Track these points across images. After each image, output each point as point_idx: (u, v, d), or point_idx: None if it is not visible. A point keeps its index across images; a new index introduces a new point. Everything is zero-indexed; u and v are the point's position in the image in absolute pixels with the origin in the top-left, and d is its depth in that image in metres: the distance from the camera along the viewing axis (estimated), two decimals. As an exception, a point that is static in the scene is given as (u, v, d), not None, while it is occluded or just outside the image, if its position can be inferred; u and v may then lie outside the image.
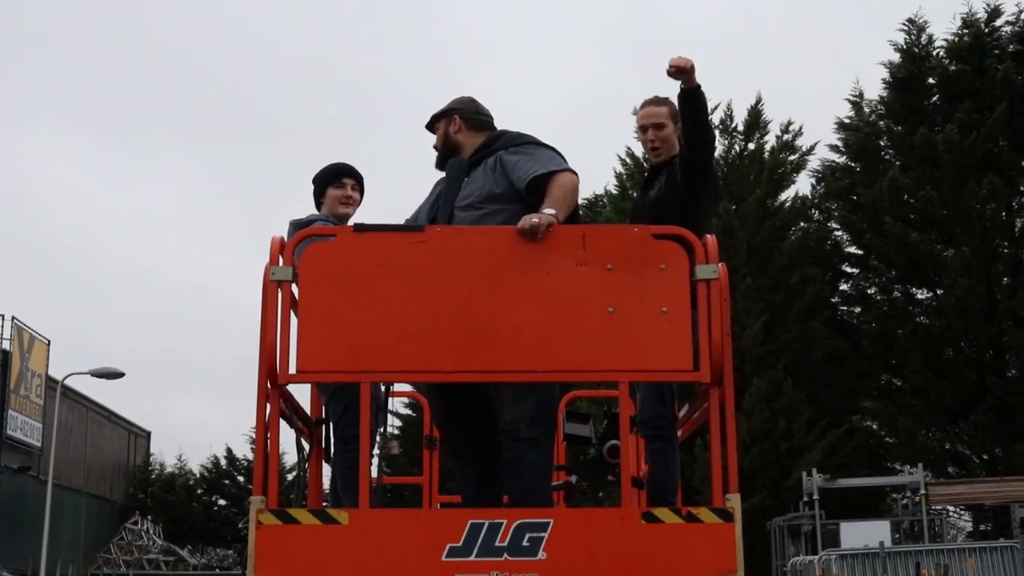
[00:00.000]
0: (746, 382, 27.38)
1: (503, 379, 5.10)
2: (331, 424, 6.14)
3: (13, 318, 40.21)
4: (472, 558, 4.64)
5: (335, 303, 4.91)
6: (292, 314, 5.05)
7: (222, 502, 56.75)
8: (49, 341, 43.66)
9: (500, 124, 5.96)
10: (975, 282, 27.46)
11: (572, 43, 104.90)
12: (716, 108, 30.73)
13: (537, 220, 4.96)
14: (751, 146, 30.86)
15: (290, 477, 5.17)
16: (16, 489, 41.29)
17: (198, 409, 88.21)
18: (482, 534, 4.68)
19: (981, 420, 27.63)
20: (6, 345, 39.98)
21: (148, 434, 59.35)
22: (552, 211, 5.10)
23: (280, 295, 4.96)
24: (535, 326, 4.87)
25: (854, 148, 31.22)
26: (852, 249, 31.51)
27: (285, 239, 5.15)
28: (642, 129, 6.27)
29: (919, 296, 30.37)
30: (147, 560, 48.61)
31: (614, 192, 33.57)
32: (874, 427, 31.37)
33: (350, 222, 6.26)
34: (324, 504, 6.03)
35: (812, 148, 31.20)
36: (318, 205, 6.67)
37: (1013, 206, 29.38)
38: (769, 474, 26.83)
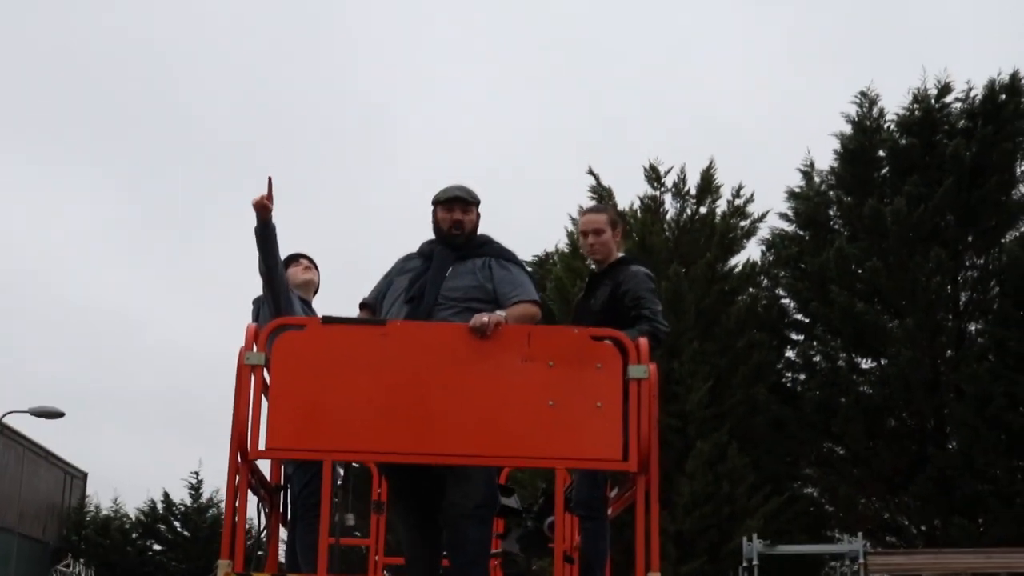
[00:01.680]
0: (690, 445, 27.45)
1: (452, 462, 5.67)
2: (290, 492, 6.73)
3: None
4: None
5: (303, 388, 5.46)
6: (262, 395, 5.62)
7: (157, 547, 56.06)
8: (-13, 379, 43.15)
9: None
10: (919, 354, 27.74)
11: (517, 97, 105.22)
12: (669, 171, 31.02)
13: (487, 319, 5.60)
14: (703, 210, 31.06)
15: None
16: (-53, 527, 40.67)
17: (132, 449, 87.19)
18: None
19: (920, 491, 27.79)
20: (-57, 381, 39.53)
21: (85, 475, 58.59)
22: (503, 314, 5.79)
23: (252, 378, 5.49)
24: (483, 414, 5.46)
25: (803, 217, 31.52)
26: (799, 316, 31.73)
27: (252, 321, 5.96)
28: (583, 235, 7.08)
29: (863, 365, 30.60)
30: (77, 604, 47.91)
31: (565, 250, 33.66)
32: (815, 494, 31.50)
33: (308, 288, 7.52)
34: (280, 564, 6.56)
35: (763, 216, 31.47)
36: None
37: (958, 280, 29.73)
38: (709, 538, 26.84)
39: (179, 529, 56.16)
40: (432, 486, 6.04)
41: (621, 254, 7.09)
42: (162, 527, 56.13)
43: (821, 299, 28.98)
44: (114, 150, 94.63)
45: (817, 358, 31.47)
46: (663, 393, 27.77)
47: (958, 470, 27.33)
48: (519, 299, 6.28)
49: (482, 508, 5.98)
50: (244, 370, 5.47)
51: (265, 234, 7.05)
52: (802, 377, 31.79)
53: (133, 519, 56.61)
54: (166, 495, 56.17)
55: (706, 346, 28.37)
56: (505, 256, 6.56)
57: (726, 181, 31.93)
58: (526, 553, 6.61)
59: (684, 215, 31.14)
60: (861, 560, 23.21)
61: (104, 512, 57.06)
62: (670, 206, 31.14)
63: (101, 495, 59.35)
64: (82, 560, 51.14)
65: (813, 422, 29.08)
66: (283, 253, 7.36)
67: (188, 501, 56.55)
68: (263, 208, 6.93)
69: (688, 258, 29.97)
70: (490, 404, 5.51)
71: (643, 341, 5.70)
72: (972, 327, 29.88)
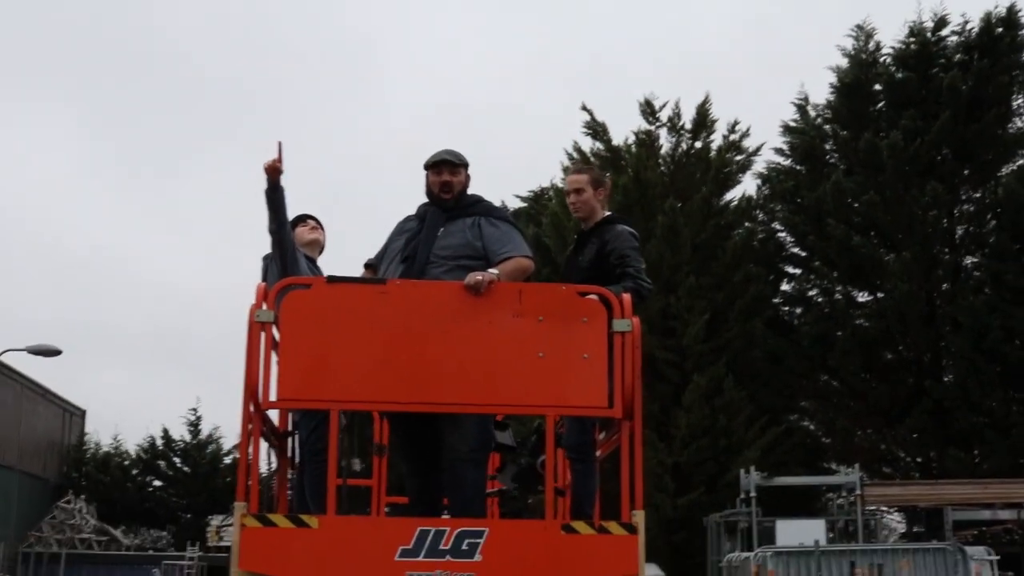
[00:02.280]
0: (687, 379, 27.63)
1: (449, 411, 6.06)
2: (297, 439, 7.02)
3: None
4: (420, 558, 5.59)
5: (309, 342, 5.81)
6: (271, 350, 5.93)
7: (157, 483, 56.36)
8: (-15, 317, 43.19)
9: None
10: (915, 287, 27.85)
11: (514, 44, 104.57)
12: (664, 106, 30.97)
13: (481, 277, 5.93)
14: (698, 144, 31.05)
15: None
16: (-52, 465, 40.87)
17: (129, 387, 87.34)
18: (429, 538, 5.63)
19: (917, 423, 28.02)
20: (-58, 320, 39.60)
21: (83, 413, 58.79)
22: (496, 272, 6.10)
23: (263, 334, 5.84)
24: (477, 366, 5.84)
25: (799, 151, 31.53)
26: (795, 250, 31.82)
27: (261, 278, 6.34)
28: (566, 194, 7.43)
29: (859, 299, 30.73)
30: (79, 539, 48.21)
31: (561, 185, 33.63)
32: (811, 427, 31.73)
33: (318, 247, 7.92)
34: (290, 505, 6.86)
35: (758, 150, 31.50)
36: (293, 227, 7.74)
37: (954, 213, 29.83)
38: (707, 470, 27.08)
39: (179, 465, 56.41)
40: (431, 432, 6.36)
41: (607, 213, 7.33)
42: (162, 463, 56.38)
43: (817, 233, 29.04)
44: (90, 86, 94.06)
45: (813, 292, 31.63)
46: (660, 328, 27.94)
47: (954, 402, 27.52)
48: (509, 255, 6.60)
49: (477, 451, 6.36)
50: (255, 326, 5.82)
51: (274, 196, 7.26)
52: (798, 311, 31.95)
53: (133, 456, 56.89)
54: (165, 432, 56.35)
55: (703, 280, 28.46)
56: (495, 214, 6.89)
57: (721, 116, 31.91)
58: (520, 489, 6.83)
59: (679, 150, 31.15)
60: (857, 491, 23.41)
61: (104, 449, 57.28)
62: (665, 141, 31.18)
63: (100, 433, 59.52)
64: (83, 496, 51.37)
65: (809, 355, 29.23)
66: (291, 213, 7.54)
67: (187, 437, 56.83)
68: (274, 171, 7.10)
69: (684, 193, 29.99)
70: (483, 356, 5.87)
71: (627, 296, 6.05)
72: (968, 260, 30.04)
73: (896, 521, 30.85)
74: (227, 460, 56.98)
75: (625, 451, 5.88)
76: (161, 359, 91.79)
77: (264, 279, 7.19)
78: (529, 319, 5.90)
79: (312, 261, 7.87)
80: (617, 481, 5.78)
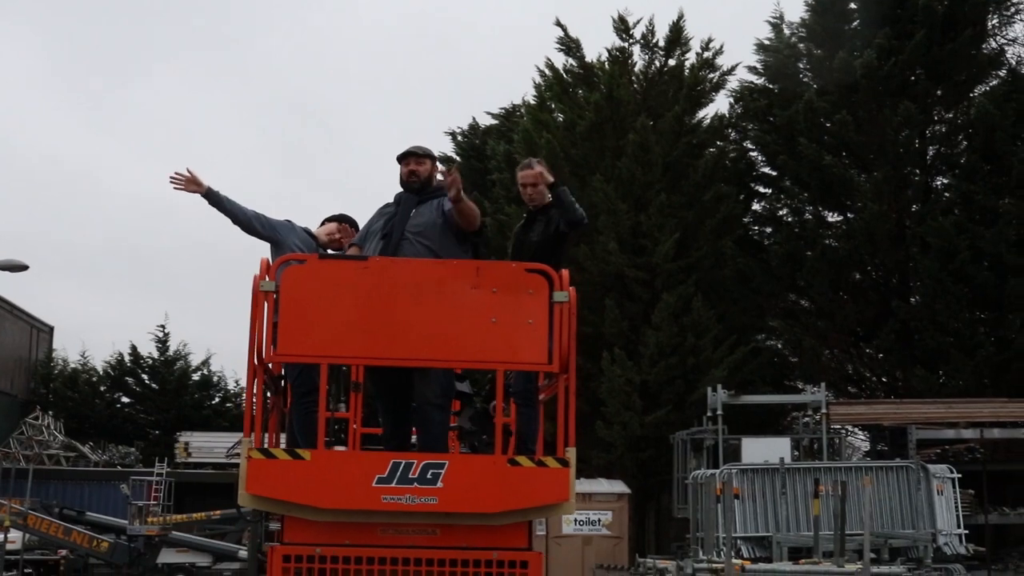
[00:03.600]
0: (656, 297, 27.60)
1: (418, 364, 7.43)
2: (287, 382, 8.41)
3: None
4: (393, 485, 6.94)
5: (304, 308, 7.13)
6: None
7: (125, 400, 56.29)
8: (-50, 231, 42.81)
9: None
10: (885, 207, 27.81)
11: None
12: (638, 22, 30.67)
13: (447, 177, 7.61)
14: (671, 62, 30.78)
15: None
16: (-86, 380, 40.67)
17: (94, 303, 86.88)
18: (400, 469, 6.99)
19: (884, 343, 28.14)
20: (-94, 233, 39.24)
21: (51, 329, 58.56)
22: (459, 188, 7.61)
23: (267, 301, 7.24)
24: (441, 328, 7.18)
25: (772, 69, 31.33)
26: (766, 170, 31.71)
27: (270, 260, 7.83)
28: (522, 187, 8.58)
29: (830, 219, 30.71)
30: (47, 455, 48.19)
31: (532, 102, 33.41)
32: (779, 346, 31.83)
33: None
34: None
35: (732, 68, 31.25)
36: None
37: (926, 134, 29.74)
38: (675, 389, 27.15)
39: (147, 382, 56.34)
40: (403, 382, 7.78)
41: (551, 197, 8.40)
42: (130, 380, 56.30)
43: (789, 152, 28.93)
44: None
45: (784, 211, 31.59)
46: (631, 246, 27.92)
47: (921, 322, 27.63)
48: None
49: (442, 398, 7.75)
50: (259, 295, 7.19)
51: (213, 204, 8.47)
52: (768, 230, 31.93)
53: (100, 372, 56.76)
54: (133, 348, 56.24)
55: (673, 199, 28.36)
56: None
57: (696, 34, 31.61)
58: (476, 428, 8.20)
59: (652, 67, 30.88)
60: (823, 410, 23.53)
61: (72, 366, 57.17)
62: (638, 58, 30.88)
63: (68, 350, 59.39)
64: (51, 412, 51.31)
65: (779, 275, 29.25)
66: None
67: (155, 355, 56.71)
68: (194, 192, 8.35)
69: (656, 111, 29.79)
70: (446, 320, 7.17)
71: (565, 272, 7.34)
72: (939, 181, 30.02)
73: (861, 439, 31.08)
74: (195, 377, 56.98)
75: (561, 399, 7.26)
76: (122, 274, 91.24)
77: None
78: (484, 290, 7.19)
79: (319, 247, 9.11)
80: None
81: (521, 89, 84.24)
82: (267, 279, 7.25)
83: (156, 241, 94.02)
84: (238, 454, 7.60)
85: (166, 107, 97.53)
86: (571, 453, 7.11)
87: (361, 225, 8.77)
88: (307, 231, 9.23)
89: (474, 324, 7.16)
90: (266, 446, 7.50)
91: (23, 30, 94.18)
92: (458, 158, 39.61)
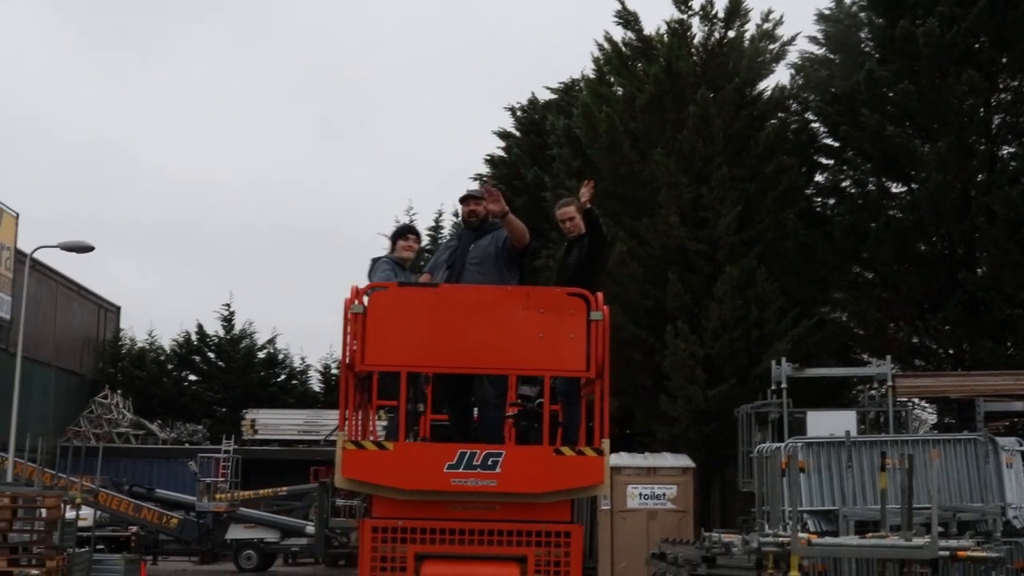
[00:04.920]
0: (719, 270, 27.49)
1: (479, 372, 9.17)
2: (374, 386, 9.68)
3: (-18, 190, 39.92)
4: (460, 470, 8.49)
5: (388, 325, 8.76)
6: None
7: (193, 378, 56.93)
8: (18, 214, 43.40)
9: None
10: (949, 177, 27.48)
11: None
12: (696, -7, 30.42)
13: (488, 192, 9.61)
14: (731, 34, 30.53)
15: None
16: (-15, 361, 41.27)
17: (157, 282, 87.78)
18: (466, 457, 8.51)
19: (950, 315, 27.84)
20: (-25, 217, 39.76)
21: (118, 309, 59.31)
22: (505, 207, 9.48)
23: (357, 320, 8.76)
24: (497, 343, 8.77)
25: (833, 39, 31.01)
26: (828, 141, 31.42)
27: (368, 278, 10.21)
28: (561, 221, 10.44)
29: (893, 189, 30.39)
30: (117, 434, 48.90)
31: (591, 76, 33.33)
32: (843, 319, 31.60)
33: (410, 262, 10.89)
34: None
35: (792, 39, 30.94)
36: (392, 248, 10.97)
37: (991, 102, 29.30)
38: (738, 362, 27.07)
39: (214, 360, 56.94)
40: (467, 386, 9.51)
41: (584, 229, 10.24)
42: (197, 359, 56.93)
43: (851, 123, 28.63)
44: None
45: (847, 183, 31.30)
46: (692, 219, 27.83)
47: (988, 293, 27.32)
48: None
49: (498, 398, 9.44)
50: (351, 316, 8.77)
51: None
52: (831, 202, 31.67)
53: (168, 351, 57.42)
54: (200, 327, 56.88)
55: (735, 171, 28.20)
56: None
57: (755, 5, 31.37)
58: (529, 422, 9.42)
59: (712, 39, 30.61)
60: (889, 383, 23.34)
61: (139, 345, 57.89)
62: (698, 30, 30.61)
63: (135, 329, 60.09)
64: (119, 391, 52.01)
65: (842, 247, 29.02)
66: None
67: (222, 333, 57.28)
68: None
69: (716, 83, 29.58)
70: (501, 336, 8.74)
71: (600, 295, 8.80)
72: (1005, 150, 29.55)
73: (927, 412, 30.83)
74: (260, 355, 57.48)
75: (597, 398, 8.75)
76: (181, 252, 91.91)
77: (369, 276, 10.46)
78: (533, 311, 8.75)
79: (401, 266, 10.68)
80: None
81: (580, 63, 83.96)
82: (356, 303, 8.78)
83: (201, 219, 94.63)
84: (334, 440, 9.05)
85: (200, 78, 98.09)
86: (605, 444, 8.65)
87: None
88: (391, 259, 10.79)
89: (524, 339, 8.71)
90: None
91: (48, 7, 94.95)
92: (510, 149, 39.63)
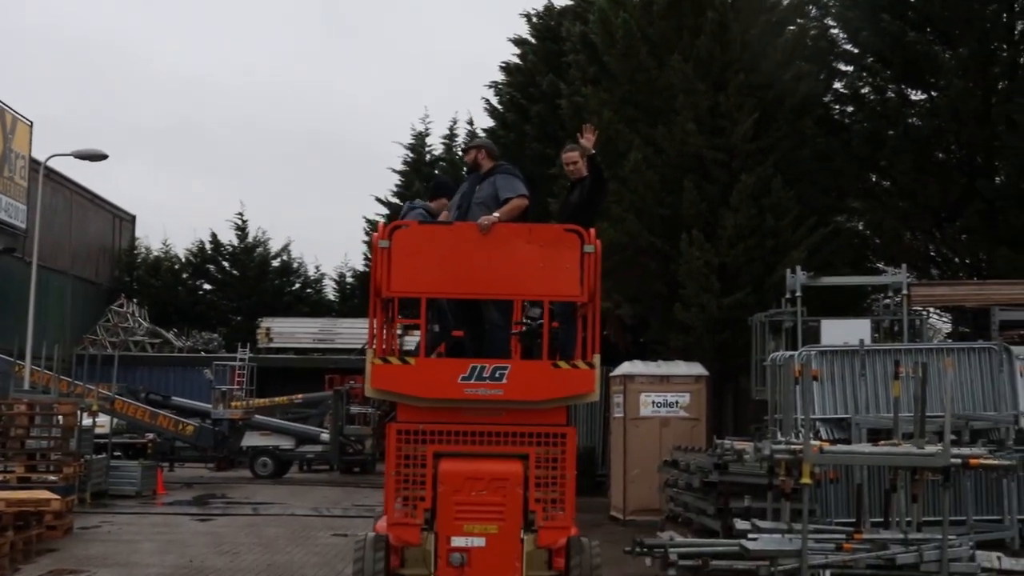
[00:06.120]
0: (735, 178, 27.22)
1: (488, 297, 10.54)
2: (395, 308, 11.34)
3: (-5, 98, 39.72)
4: (472, 381, 9.91)
5: (409, 257, 10.11)
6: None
7: (207, 287, 57.10)
8: (32, 122, 43.25)
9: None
10: (970, 84, 27.09)
11: None
12: None
13: (486, 222, 10.17)
14: (750, -63, 29.95)
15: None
16: (1, 270, 41.38)
17: (168, 191, 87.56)
18: (477, 370, 9.92)
19: (968, 224, 27.60)
20: (-12, 125, 39.61)
21: (133, 218, 59.32)
22: (497, 216, 10.35)
23: (383, 254, 10.13)
24: (504, 272, 10.18)
25: (855, -56, 30.45)
26: (848, 47, 30.94)
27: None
28: (565, 164, 11.65)
29: (913, 96, 29.97)
30: (133, 342, 49.17)
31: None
32: (859, 227, 31.35)
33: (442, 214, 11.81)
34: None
35: (814, -58, 30.37)
36: (431, 199, 12.18)
37: (1014, 8, 28.74)
38: (753, 270, 26.89)
39: (228, 269, 57.04)
40: (477, 310, 10.76)
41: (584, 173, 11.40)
42: (211, 267, 57.04)
43: (872, 28, 28.18)
44: None
45: (866, 90, 30.84)
46: (709, 127, 27.48)
47: (1006, 202, 27.05)
48: (509, 197, 10.69)
49: (504, 320, 10.89)
50: (378, 249, 10.13)
51: None
52: (850, 109, 31.23)
53: (183, 260, 57.53)
54: (214, 236, 56.94)
55: (752, 78, 27.76)
56: (504, 171, 11.15)
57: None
58: (529, 339, 11.05)
59: (731, -58, 30.05)
60: (904, 291, 23.19)
61: (154, 254, 57.99)
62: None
63: (152, 237, 60.27)
64: (135, 300, 52.19)
65: (860, 155, 28.69)
66: None
67: (235, 242, 57.31)
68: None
69: (734, -12, 29.06)
70: (508, 266, 10.13)
71: (592, 231, 10.20)
72: (1027, 57, 29.09)
73: (943, 321, 30.68)
74: (275, 263, 57.53)
75: (589, 318, 10.19)
76: (195, 158, 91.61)
77: (402, 216, 11.93)
78: (535, 245, 10.12)
79: (433, 217, 11.67)
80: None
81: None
82: (383, 239, 10.12)
83: (215, 125, 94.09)
84: (364, 354, 10.38)
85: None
86: (596, 359, 10.05)
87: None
88: (425, 207, 12.01)
89: (527, 268, 10.07)
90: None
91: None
92: (532, 41, 39.21)
